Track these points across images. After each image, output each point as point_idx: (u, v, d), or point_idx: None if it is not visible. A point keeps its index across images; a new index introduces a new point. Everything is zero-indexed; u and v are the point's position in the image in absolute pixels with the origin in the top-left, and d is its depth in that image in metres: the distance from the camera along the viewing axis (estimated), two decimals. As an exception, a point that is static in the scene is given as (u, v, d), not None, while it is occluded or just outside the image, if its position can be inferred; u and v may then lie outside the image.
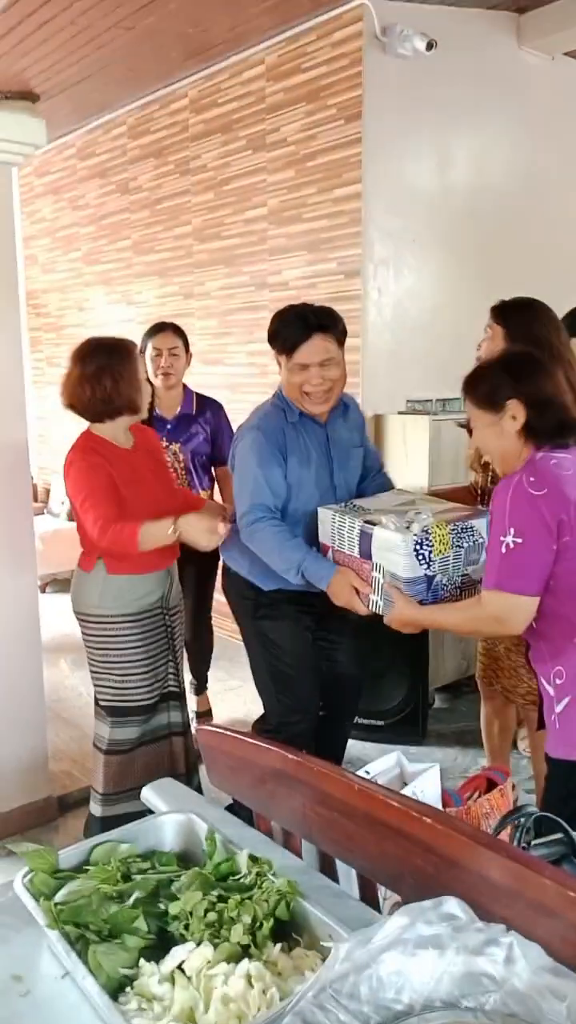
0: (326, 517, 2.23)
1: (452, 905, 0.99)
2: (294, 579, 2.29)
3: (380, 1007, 0.92)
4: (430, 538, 1.96)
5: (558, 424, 1.80)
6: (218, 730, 1.44)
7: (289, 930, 1.11)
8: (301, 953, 1.08)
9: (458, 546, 2.01)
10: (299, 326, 2.27)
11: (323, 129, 3.84)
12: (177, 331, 3.26)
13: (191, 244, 4.77)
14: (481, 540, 2.04)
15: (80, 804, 2.91)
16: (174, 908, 1.11)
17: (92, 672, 2.57)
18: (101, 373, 2.34)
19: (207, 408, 3.32)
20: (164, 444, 3.16)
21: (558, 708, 1.75)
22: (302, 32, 3.84)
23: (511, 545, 1.69)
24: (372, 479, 2.57)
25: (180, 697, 2.68)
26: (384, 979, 0.92)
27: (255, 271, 4.36)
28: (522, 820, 1.34)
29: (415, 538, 1.94)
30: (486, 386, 1.84)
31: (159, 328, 3.28)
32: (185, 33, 3.77)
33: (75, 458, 2.41)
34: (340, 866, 1.30)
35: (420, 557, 1.95)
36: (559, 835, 1.33)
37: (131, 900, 1.12)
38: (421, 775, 1.92)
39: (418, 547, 1.94)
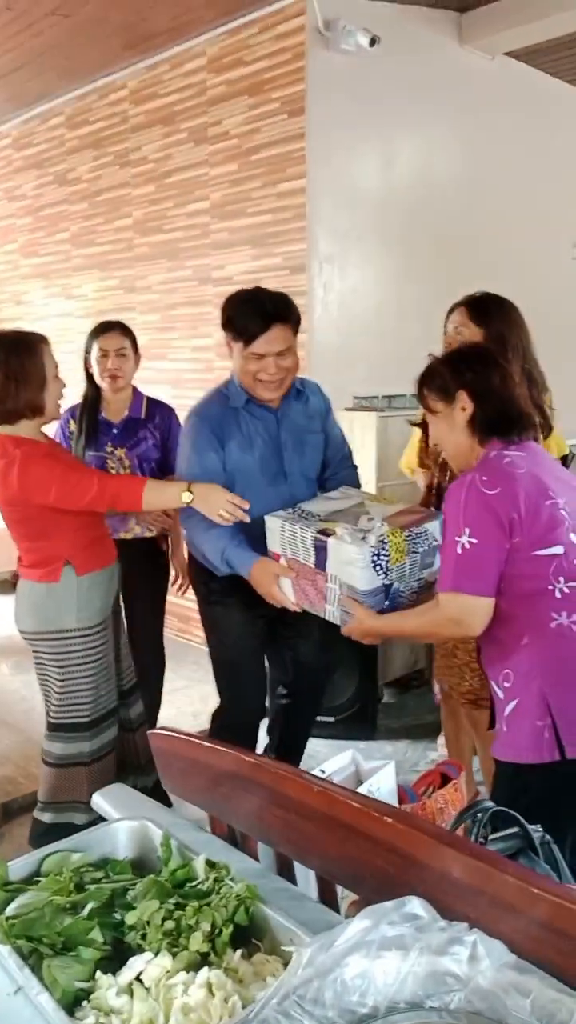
0: (275, 526, 2.14)
1: (415, 905, 0.98)
2: (222, 568, 2.26)
3: (345, 1011, 0.90)
4: (386, 547, 1.92)
5: (501, 416, 1.80)
6: (170, 734, 1.41)
7: (249, 935, 1.09)
8: (262, 959, 1.07)
9: (413, 552, 1.99)
10: (257, 317, 2.22)
11: (266, 123, 3.81)
12: (125, 330, 3.05)
13: (132, 237, 4.69)
14: (436, 543, 2.02)
15: (25, 811, 2.84)
16: (131, 918, 1.08)
17: (60, 692, 2.41)
18: None
19: (156, 412, 3.12)
20: (109, 449, 3.02)
21: (506, 711, 1.74)
22: (244, 24, 3.80)
23: (467, 545, 1.68)
24: (335, 470, 2.53)
25: (131, 693, 2.66)
26: (348, 983, 0.91)
27: (198, 265, 4.31)
28: (479, 815, 1.34)
29: (372, 550, 1.90)
30: (439, 379, 1.86)
31: (105, 327, 3.04)
32: (125, 22, 3.72)
33: (18, 457, 2.22)
34: (298, 867, 1.29)
35: (377, 568, 1.92)
36: (515, 829, 1.34)
37: (85, 911, 1.09)
38: (376, 772, 1.91)
39: (375, 558, 1.91)
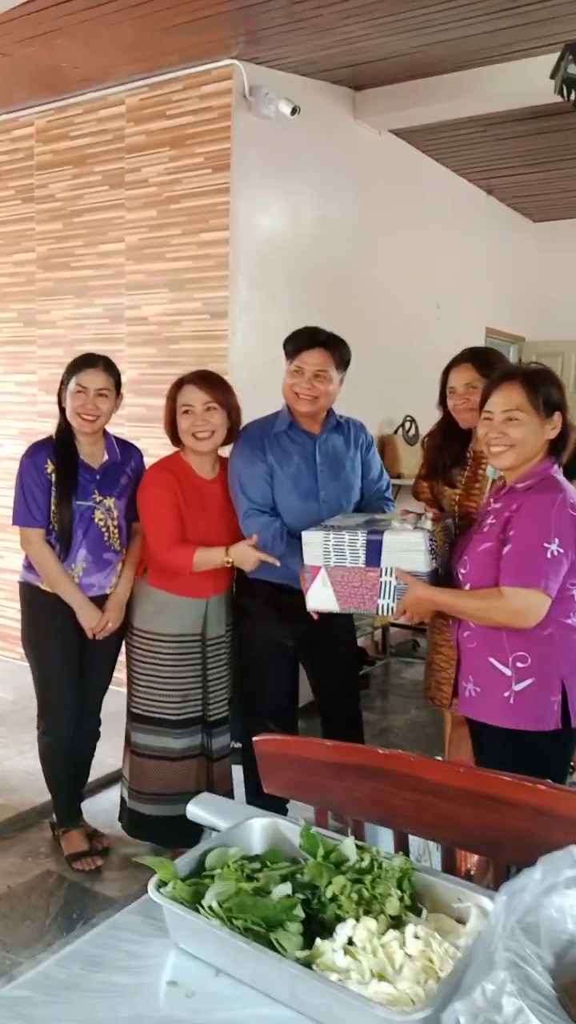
0: (315, 539, 2.25)
1: (577, 852, 1.20)
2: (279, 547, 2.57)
3: (553, 939, 1.10)
4: (433, 535, 2.19)
5: (572, 449, 2.10)
6: (277, 737, 1.54)
7: (412, 901, 1.26)
8: (435, 916, 1.23)
9: (445, 542, 2.28)
10: (305, 337, 2.58)
11: (189, 175, 4.00)
12: (109, 367, 2.74)
13: (33, 271, 4.68)
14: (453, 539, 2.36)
15: None
16: (329, 892, 1.21)
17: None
18: None
19: (130, 455, 2.91)
20: (97, 498, 2.76)
21: (517, 687, 2.02)
22: (167, 80, 3.99)
23: (556, 553, 1.93)
24: (369, 501, 2.76)
25: (218, 724, 2.79)
26: (553, 916, 1.11)
27: (110, 304, 4.38)
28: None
29: (428, 533, 2.15)
30: (548, 390, 2.05)
31: (88, 362, 2.72)
32: (56, 66, 3.79)
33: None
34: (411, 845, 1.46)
35: (431, 551, 2.15)
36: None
37: (287, 889, 1.21)
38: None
39: (430, 543, 2.15)
